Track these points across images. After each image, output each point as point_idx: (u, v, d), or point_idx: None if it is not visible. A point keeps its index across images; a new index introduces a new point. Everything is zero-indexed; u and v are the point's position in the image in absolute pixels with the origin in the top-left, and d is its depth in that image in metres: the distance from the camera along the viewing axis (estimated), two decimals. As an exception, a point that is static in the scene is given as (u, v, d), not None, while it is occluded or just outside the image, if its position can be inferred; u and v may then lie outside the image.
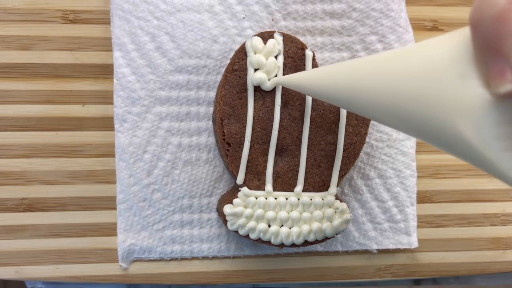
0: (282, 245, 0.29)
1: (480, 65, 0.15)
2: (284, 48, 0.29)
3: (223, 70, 0.31)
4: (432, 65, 0.17)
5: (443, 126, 0.16)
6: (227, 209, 0.29)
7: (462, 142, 0.15)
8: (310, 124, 0.29)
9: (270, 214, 0.29)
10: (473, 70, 0.15)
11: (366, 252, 0.34)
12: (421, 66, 0.17)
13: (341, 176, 0.30)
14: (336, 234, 0.30)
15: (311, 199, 0.30)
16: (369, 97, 0.19)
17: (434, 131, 0.17)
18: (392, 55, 0.19)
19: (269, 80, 0.28)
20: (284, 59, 0.29)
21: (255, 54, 0.28)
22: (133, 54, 0.31)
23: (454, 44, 0.16)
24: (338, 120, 0.30)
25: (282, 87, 0.29)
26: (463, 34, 0.16)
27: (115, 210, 0.32)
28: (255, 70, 0.28)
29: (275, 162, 0.29)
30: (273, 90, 0.29)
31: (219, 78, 0.31)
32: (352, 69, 0.21)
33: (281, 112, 0.29)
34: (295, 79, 0.26)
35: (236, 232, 0.29)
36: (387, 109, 0.18)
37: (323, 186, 0.30)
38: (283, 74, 0.29)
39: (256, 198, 0.29)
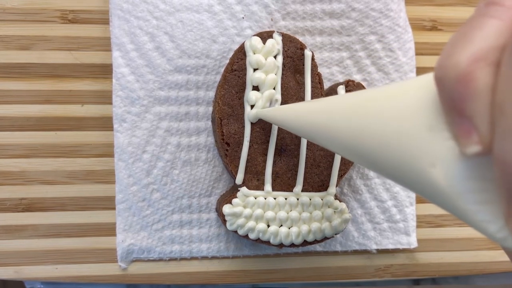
0: (281, 245, 0.29)
1: (447, 119, 0.15)
2: (283, 48, 0.29)
3: (222, 70, 0.31)
4: (401, 114, 0.16)
5: (415, 174, 0.16)
6: (226, 209, 0.29)
7: (435, 191, 0.15)
8: (309, 124, 0.29)
9: (269, 214, 0.29)
10: (442, 121, 0.15)
11: (366, 252, 0.34)
12: (390, 114, 0.17)
13: (340, 176, 0.30)
14: (335, 234, 0.30)
15: (310, 199, 0.30)
16: (343, 140, 0.19)
17: (406, 177, 0.16)
18: (365, 98, 0.19)
19: (251, 109, 0.29)
20: (283, 59, 0.29)
21: (254, 54, 0.28)
22: (132, 54, 0.31)
23: (423, 92, 0.16)
24: (337, 120, 0.30)
25: (282, 86, 0.29)
26: (431, 81, 0.15)
27: (114, 210, 0.32)
28: (254, 70, 0.28)
29: (274, 162, 0.29)
30: (273, 89, 0.29)
31: (218, 78, 0.31)
32: (327, 109, 0.21)
33: (280, 112, 0.29)
34: (274, 113, 0.26)
35: (235, 232, 0.29)
36: (362, 152, 0.18)
37: (322, 186, 0.30)
38: (282, 74, 0.29)
39: (255, 198, 0.29)
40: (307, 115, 0.22)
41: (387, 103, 0.17)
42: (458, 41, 0.14)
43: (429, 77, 0.16)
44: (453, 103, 0.14)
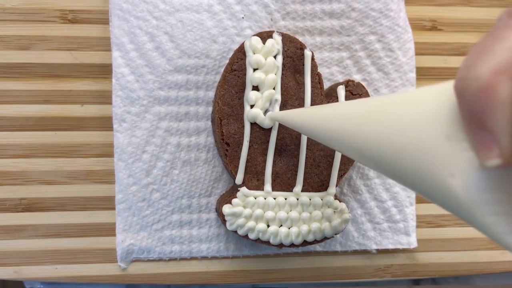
0: (281, 245, 0.29)
1: (466, 130, 0.15)
2: (283, 48, 0.29)
3: (222, 70, 0.31)
4: (418, 122, 0.16)
5: (433, 183, 0.16)
6: (226, 209, 0.29)
7: (454, 202, 0.15)
8: (309, 124, 0.29)
9: (269, 214, 0.29)
10: (460, 131, 0.15)
11: (365, 252, 0.34)
12: (407, 122, 0.17)
13: (340, 176, 0.30)
14: (335, 234, 0.30)
15: (310, 199, 0.30)
16: (359, 146, 0.19)
17: (424, 186, 0.16)
18: (382, 104, 0.19)
19: (264, 115, 0.29)
20: (283, 59, 0.29)
21: (254, 54, 0.28)
22: (132, 54, 0.31)
23: (441, 100, 0.16)
24: (337, 120, 0.30)
25: (281, 86, 0.29)
26: (450, 90, 0.15)
27: (114, 210, 0.32)
28: (254, 70, 0.28)
29: (274, 162, 0.29)
30: (273, 89, 0.29)
31: (218, 78, 0.31)
32: (344, 113, 0.21)
33: (280, 112, 0.29)
34: (289, 117, 0.26)
35: (235, 232, 0.29)
36: (377, 158, 0.18)
37: (322, 186, 0.30)
38: (282, 74, 0.29)
39: (255, 198, 0.29)
40: (324, 119, 0.22)
41: (405, 110, 0.17)
42: (480, 52, 0.14)
43: (448, 86, 0.16)
44: (474, 115, 0.14)
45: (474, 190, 0.14)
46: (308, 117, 0.24)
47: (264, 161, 0.29)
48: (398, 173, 0.17)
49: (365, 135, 0.19)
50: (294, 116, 0.26)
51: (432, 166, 0.15)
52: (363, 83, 0.32)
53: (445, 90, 0.16)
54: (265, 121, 0.28)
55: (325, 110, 0.23)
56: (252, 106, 0.29)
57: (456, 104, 0.15)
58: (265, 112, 0.29)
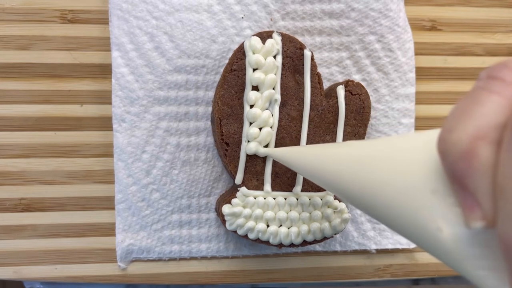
0: (280, 245, 0.29)
1: (452, 188, 0.15)
2: (283, 48, 0.29)
3: (221, 70, 0.31)
4: (405, 174, 0.16)
5: (422, 235, 0.16)
6: (226, 209, 0.29)
7: (442, 254, 0.15)
8: (309, 124, 0.29)
9: (269, 214, 0.29)
10: (445, 187, 0.15)
11: (365, 252, 0.34)
12: (395, 172, 0.17)
13: (339, 176, 0.30)
14: (335, 234, 0.30)
15: (309, 199, 0.30)
16: (350, 191, 0.19)
17: (414, 236, 0.16)
18: (373, 150, 0.19)
19: (263, 146, 0.29)
20: (283, 59, 0.29)
21: (254, 54, 0.28)
22: (132, 54, 0.31)
23: (426, 153, 0.16)
24: (337, 120, 0.30)
25: (281, 86, 0.29)
26: (435, 142, 0.15)
27: (113, 210, 0.32)
28: (254, 70, 0.28)
29: (274, 162, 0.29)
30: (272, 89, 0.29)
31: (217, 78, 0.31)
32: (336, 158, 0.21)
33: (280, 112, 0.29)
34: (282, 154, 0.26)
35: (235, 232, 0.29)
36: (368, 206, 0.18)
37: (321, 186, 0.30)
38: (282, 74, 0.29)
39: (255, 198, 0.29)
40: (317, 162, 0.22)
41: (393, 159, 0.17)
42: (459, 116, 0.14)
43: (433, 137, 0.16)
44: (456, 177, 0.14)
45: (462, 245, 0.15)
46: (302, 157, 0.24)
47: (264, 161, 0.29)
48: (389, 222, 0.18)
49: (356, 182, 0.19)
50: (288, 155, 0.26)
51: (420, 218, 0.16)
52: (363, 83, 0.32)
53: (430, 140, 0.16)
54: (260, 150, 0.29)
55: (319, 151, 0.23)
56: (251, 106, 0.29)
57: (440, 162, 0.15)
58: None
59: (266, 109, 0.29)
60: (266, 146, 0.29)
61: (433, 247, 0.16)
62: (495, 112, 0.14)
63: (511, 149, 0.13)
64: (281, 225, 0.29)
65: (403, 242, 0.34)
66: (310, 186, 0.30)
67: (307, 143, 0.30)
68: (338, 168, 0.20)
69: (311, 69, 0.29)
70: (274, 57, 0.29)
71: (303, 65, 0.29)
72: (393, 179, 0.17)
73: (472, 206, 0.14)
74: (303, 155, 0.24)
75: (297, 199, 0.30)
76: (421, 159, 0.16)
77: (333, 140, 0.30)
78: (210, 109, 0.32)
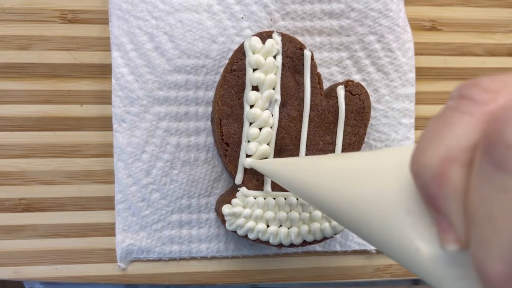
0: (280, 245, 0.29)
1: (428, 210, 0.15)
2: (283, 48, 0.29)
3: (221, 70, 0.31)
4: (381, 192, 0.16)
5: (403, 255, 0.16)
6: (226, 209, 0.29)
7: (421, 273, 0.15)
8: (309, 124, 0.29)
9: (269, 214, 0.29)
10: (421, 207, 0.15)
11: (365, 252, 0.34)
12: (371, 190, 0.17)
13: (339, 176, 0.30)
14: (335, 234, 0.30)
15: (309, 199, 0.30)
16: (329, 207, 0.19)
17: (395, 256, 0.16)
18: (350, 167, 0.19)
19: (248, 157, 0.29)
20: (283, 59, 0.29)
21: (254, 54, 0.28)
22: (132, 54, 0.31)
23: (399, 172, 0.16)
24: (337, 120, 0.30)
25: (281, 86, 0.29)
26: (408, 161, 0.15)
27: (113, 210, 0.32)
28: (254, 70, 0.28)
29: (273, 162, 0.29)
30: (272, 90, 0.29)
31: (217, 78, 0.31)
32: (316, 171, 0.21)
33: (280, 112, 0.29)
34: (263, 166, 0.26)
35: (235, 232, 0.29)
36: (349, 224, 0.18)
37: (321, 186, 0.30)
38: (282, 74, 0.29)
39: (255, 198, 0.29)
40: (293, 173, 0.22)
41: (369, 177, 0.17)
42: (431, 136, 0.14)
43: (407, 154, 0.15)
44: (430, 200, 0.14)
45: (441, 265, 0.14)
46: (281, 169, 0.24)
47: (264, 161, 0.29)
48: (370, 240, 0.17)
49: (336, 197, 0.19)
50: (269, 166, 0.26)
51: (397, 238, 0.15)
52: (363, 83, 0.32)
53: (404, 157, 0.16)
54: (246, 162, 0.29)
55: (298, 163, 0.23)
56: (251, 106, 0.29)
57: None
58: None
59: (266, 109, 0.29)
60: (267, 145, 0.29)
61: (412, 267, 0.15)
62: (466, 133, 0.13)
63: (482, 173, 0.12)
64: (281, 225, 0.29)
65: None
66: (310, 186, 0.30)
67: (307, 143, 0.30)
68: (315, 181, 0.20)
69: (311, 69, 0.29)
70: (274, 57, 0.29)
71: (303, 65, 0.29)
72: (370, 195, 0.17)
73: (446, 229, 0.14)
74: (284, 167, 0.24)
75: (297, 199, 0.30)
76: (396, 177, 0.16)
77: (333, 140, 0.30)
78: (210, 109, 0.32)
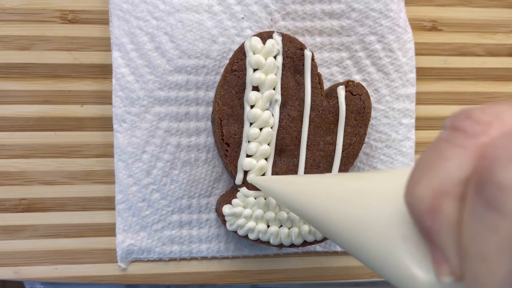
0: (281, 245, 0.29)
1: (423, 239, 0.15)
2: (283, 48, 0.29)
3: (222, 70, 0.31)
4: (376, 217, 0.16)
5: (399, 282, 0.16)
6: (226, 209, 0.29)
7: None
8: (309, 124, 0.29)
9: (269, 214, 0.29)
10: (416, 234, 0.15)
11: (365, 252, 0.34)
12: (368, 215, 0.17)
13: (340, 177, 0.30)
14: (335, 234, 0.30)
15: (310, 200, 0.30)
16: (326, 228, 0.19)
17: (393, 281, 0.16)
18: (350, 189, 0.19)
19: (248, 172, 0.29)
20: (283, 59, 0.29)
21: (254, 54, 0.28)
22: (132, 54, 0.31)
23: (396, 197, 0.16)
24: (337, 120, 0.30)
25: (282, 86, 0.29)
26: (403, 187, 0.15)
27: (114, 211, 0.32)
28: (254, 70, 0.28)
29: (274, 162, 0.29)
30: (273, 90, 0.29)
31: (218, 78, 0.31)
32: (316, 193, 0.21)
33: (280, 112, 0.29)
34: (261, 183, 0.26)
35: (235, 232, 0.29)
36: (347, 246, 0.18)
37: (322, 187, 0.30)
38: (282, 74, 0.29)
39: (255, 199, 0.29)
40: (294, 193, 0.22)
41: (366, 201, 0.17)
42: (423, 168, 0.14)
43: (402, 179, 0.15)
44: (424, 232, 0.14)
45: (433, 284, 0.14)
46: (280, 187, 0.24)
47: (264, 162, 0.29)
48: (365, 262, 0.17)
49: (333, 218, 0.18)
50: (267, 184, 0.26)
51: (394, 263, 0.15)
52: (363, 84, 0.32)
53: (399, 183, 0.15)
54: (250, 175, 0.29)
55: (301, 184, 0.23)
56: (252, 107, 0.29)
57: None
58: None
59: (267, 110, 0.29)
60: (268, 145, 0.29)
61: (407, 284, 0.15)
62: (458, 166, 0.13)
63: (474, 210, 0.12)
64: (281, 226, 0.29)
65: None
66: (310, 187, 0.30)
67: (307, 144, 0.30)
68: (312, 200, 0.20)
69: (312, 70, 0.29)
70: (275, 57, 0.29)
71: (303, 65, 0.29)
72: (366, 217, 0.17)
73: (441, 261, 0.14)
74: (282, 186, 0.24)
75: (297, 199, 0.29)
76: (392, 201, 0.16)
77: (334, 140, 0.30)
78: (210, 109, 0.32)
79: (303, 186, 0.22)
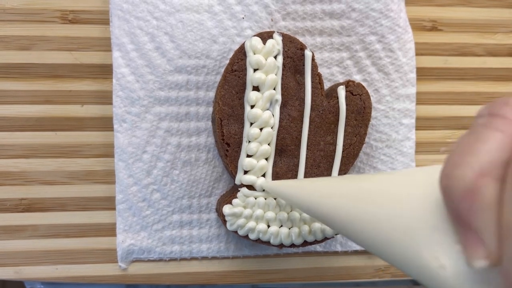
0: (281, 245, 0.29)
1: (454, 226, 0.15)
2: (284, 48, 0.29)
3: (222, 70, 0.31)
4: (405, 210, 0.16)
5: (424, 272, 0.16)
6: (227, 209, 0.29)
7: (441, 282, 0.15)
8: (310, 124, 0.29)
9: (270, 214, 0.29)
10: (446, 224, 0.15)
11: (366, 252, 0.34)
12: (395, 209, 0.17)
13: (340, 177, 0.30)
14: (336, 234, 0.30)
15: (310, 200, 0.30)
16: (348, 228, 0.19)
17: (416, 273, 0.16)
18: (372, 187, 0.19)
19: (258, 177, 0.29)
20: (284, 59, 0.29)
21: (255, 54, 0.28)
22: (133, 54, 0.31)
23: (427, 189, 0.16)
24: (337, 120, 0.30)
25: (282, 86, 0.29)
26: (436, 178, 0.15)
27: (114, 211, 0.32)
28: (255, 70, 0.28)
29: (274, 162, 0.29)
30: (273, 90, 0.29)
31: (218, 78, 0.31)
32: (335, 193, 0.21)
33: (281, 112, 0.29)
34: (278, 188, 0.26)
35: (235, 232, 0.29)
36: (369, 243, 0.18)
37: (322, 186, 0.30)
38: (283, 74, 0.29)
39: (256, 199, 0.29)
40: (312, 196, 0.22)
41: (393, 196, 0.17)
42: (463, 152, 0.14)
43: (432, 173, 0.16)
44: (460, 214, 0.14)
45: (466, 283, 0.14)
46: (298, 191, 0.24)
47: (265, 162, 0.29)
48: (389, 258, 0.17)
49: (355, 218, 0.19)
50: (283, 189, 0.26)
51: (421, 256, 0.16)
52: (364, 84, 0.32)
53: (430, 176, 0.16)
54: (257, 183, 0.29)
55: (316, 186, 0.23)
56: (252, 107, 0.29)
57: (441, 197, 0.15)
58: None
59: (267, 110, 0.29)
60: (268, 145, 0.29)
61: (435, 285, 0.15)
62: (498, 149, 0.14)
63: None
64: (282, 226, 0.29)
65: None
66: (310, 187, 0.30)
67: (308, 144, 0.30)
68: (336, 203, 0.20)
69: (312, 70, 0.29)
70: (275, 57, 0.29)
71: (303, 65, 0.29)
72: (393, 215, 0.17)
73: (476, 245, 0.14)
74: (299, 190, 0.24)
75: (297, 199, 0.30)
76: (420, 195, 0.16)
77: (334, 140, 0.30)
78: (210, 109, 0.32)
79: (321, 190, 0.22)
